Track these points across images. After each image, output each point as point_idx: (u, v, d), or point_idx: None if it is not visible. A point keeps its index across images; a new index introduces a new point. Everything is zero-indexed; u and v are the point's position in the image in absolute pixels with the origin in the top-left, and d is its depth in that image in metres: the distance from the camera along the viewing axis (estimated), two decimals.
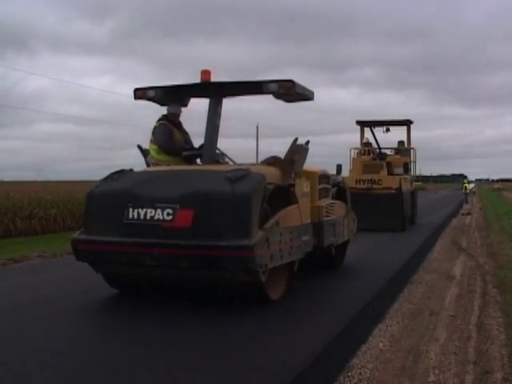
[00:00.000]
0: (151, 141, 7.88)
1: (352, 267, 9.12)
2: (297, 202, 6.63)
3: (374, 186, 16.68)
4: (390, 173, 17.58)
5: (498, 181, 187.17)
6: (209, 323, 5.41)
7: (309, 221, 7.09)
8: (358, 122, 19.40)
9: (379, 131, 18.60)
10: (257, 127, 52.15)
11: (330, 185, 8.57)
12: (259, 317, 5.66)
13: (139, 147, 8.02)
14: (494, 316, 6.30)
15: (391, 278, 8.15)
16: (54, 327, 5.36)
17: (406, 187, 17.28)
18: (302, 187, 7.05)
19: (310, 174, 7.53)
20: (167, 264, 5.71)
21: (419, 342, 5.32)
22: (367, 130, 18.68)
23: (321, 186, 7.93)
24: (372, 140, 18.33)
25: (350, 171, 18.15)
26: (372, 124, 18.63)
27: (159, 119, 7.93)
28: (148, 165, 7.79)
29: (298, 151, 6.90)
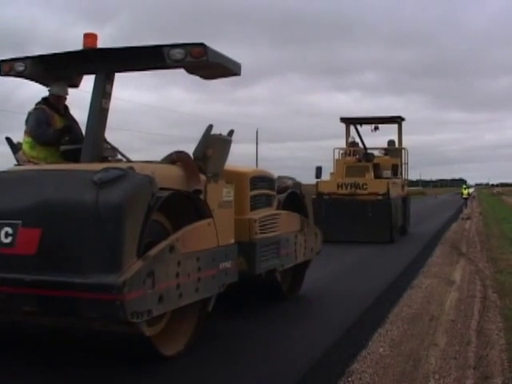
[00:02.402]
0: (25, 132, 5.95)
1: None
2: (211, 216, 5.02)
3: (358, 190, 14.85)
4: (378, 176, 15.79)
5: (497, 185, 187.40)
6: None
7: (232, 240, 5.43)
8: (343, 120, 17.68)
9: (368, 131, 17.22)
10: (256, 132, 52.30)
11: (274, 190, 6.85)
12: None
13: (8, 140, 6.11)
14: (494, 321, 6.29)
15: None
16: None
17: (396, 192, 15.67)
18: (220, 194, 5.33)
19: (234, 177, 5.80)
20: (8, 307, 4.07)
21: (419, 346, 5.31)
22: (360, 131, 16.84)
23: (255, 193, 6.25)
24: (366, 140, 16.62)
25: (331, 174, 16.54)
26: (358, 121, 17.05)
27: (37, 103, 6.02)
28: (18, 163, 5.93)
29: (215, 144, 5.27)
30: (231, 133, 5.68)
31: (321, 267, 9.65)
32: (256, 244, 5.88)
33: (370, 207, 14.44)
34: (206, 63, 5.33)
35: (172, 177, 4.82)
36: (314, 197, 15.04)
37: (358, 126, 16.72)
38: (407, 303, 7.21)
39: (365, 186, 14.90)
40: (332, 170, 16.76)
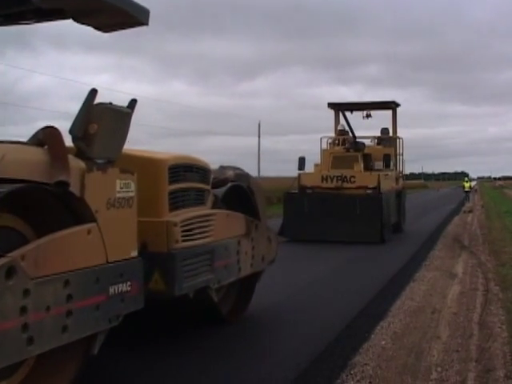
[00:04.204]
0: None
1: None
2: (92, 219, 3.58)
3: (346, 184, 13.33)
4: (368, 167, 14.27)
5: (500, 178, 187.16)
6: None
7: (134, 252, 3.94)
8: (331, 105, 16.01)
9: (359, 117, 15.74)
10: (259, 125, 52.24)
11: (208, 184, 5.30)
12: None
13: None
14: (496, 313, 6.30)
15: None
16: None
17: (389, 186, 14.06)
18: (111, 189, 3.79)
19: (144, 165, 4.41)
20: None
21: (421, 339, 5.32)
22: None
23: (177, 186, 4.72)
24: (362, 129, 15.35)
25: (316, 165, 14.93)
26: (348, 107, 15.51)
27: None
28: None
29: (102, 117, 3.80)
30: (133, 103, 4.17)
31: (319, 264, 9.66)
32: (176, 255, 4.41)
33: (359, 203, 12.85)
34: (94, 8, 3.87)
35: (29, 163, 3.34)
36: (295, 191, 14.18)
37: (348, 113, 15.12)
38: (409, 296, 7.22)
39: (352, 179, 13.37)
40: (319, 161, 15.16)
